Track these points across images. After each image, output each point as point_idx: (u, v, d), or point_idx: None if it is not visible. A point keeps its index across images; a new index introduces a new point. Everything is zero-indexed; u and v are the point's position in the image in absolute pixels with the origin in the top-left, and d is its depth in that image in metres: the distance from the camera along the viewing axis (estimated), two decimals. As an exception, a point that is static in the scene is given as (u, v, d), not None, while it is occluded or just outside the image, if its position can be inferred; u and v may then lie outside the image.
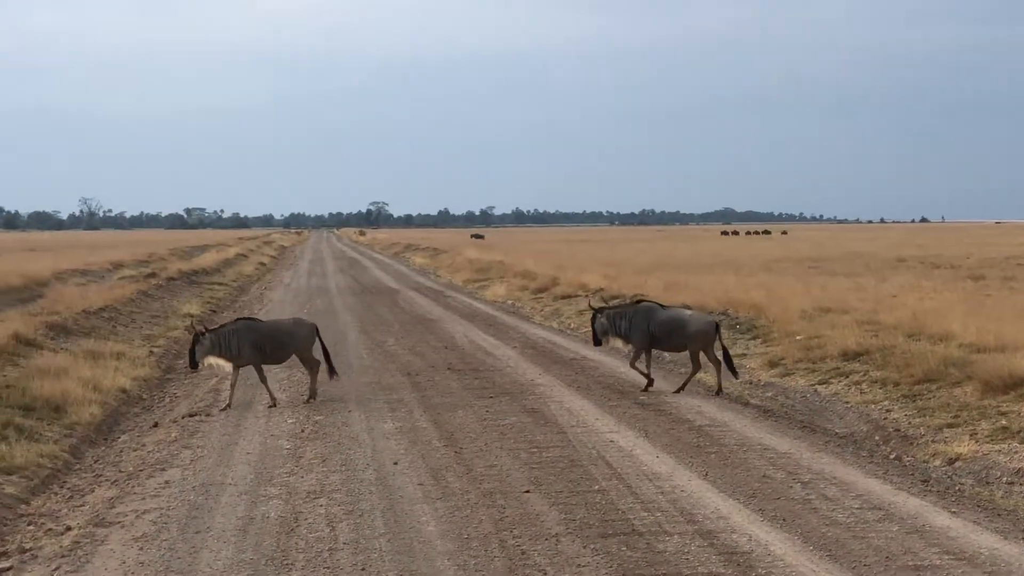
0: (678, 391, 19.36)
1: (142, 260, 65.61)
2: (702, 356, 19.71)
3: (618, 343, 20.07)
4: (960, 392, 17.31)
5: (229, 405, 18.26)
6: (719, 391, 19.27)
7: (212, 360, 18.58)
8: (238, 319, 19.65)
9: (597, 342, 20.33)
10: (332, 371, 19.34)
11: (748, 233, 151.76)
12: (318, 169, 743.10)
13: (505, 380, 20.86)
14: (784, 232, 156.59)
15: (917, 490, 12.67)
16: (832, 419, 17.66)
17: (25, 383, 18.55)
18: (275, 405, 18.31)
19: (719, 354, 19.60)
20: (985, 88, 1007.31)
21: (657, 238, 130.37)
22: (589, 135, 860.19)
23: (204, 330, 18.69)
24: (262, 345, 18.58)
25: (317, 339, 19.16)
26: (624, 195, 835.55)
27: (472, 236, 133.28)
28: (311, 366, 19.02)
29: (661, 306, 20.44)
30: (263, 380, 18.61)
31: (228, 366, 18.60)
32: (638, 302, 20.85)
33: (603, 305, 20.66)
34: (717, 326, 19.91)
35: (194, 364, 18.67)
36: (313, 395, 18.86)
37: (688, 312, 21.01)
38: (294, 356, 19.14)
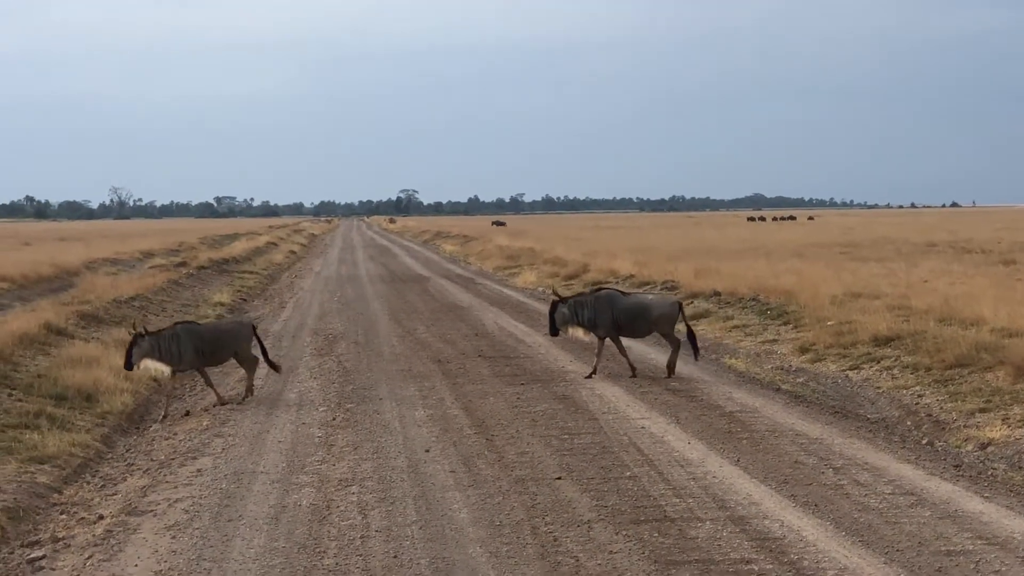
0: (668, 375, 19.45)
1: (172, 249, 65.94)
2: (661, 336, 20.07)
3: (579, 332, 20.09)
4: (992, 377, 17.21)
5: (165, 416, 17.51)
6: (671, 373, 19.45)
7: (149, 363, 17.78)
8: (177, 323, 18.82)
9: (554, 332, 20.29)
10: (273, 366, 18.99)
11: (775, 219, 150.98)
12: (348, 157, 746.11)
13: (536, 367, 20.85)
14: (810, 218, 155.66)
15: (949, 475, 12.61)
16: (864, 404, 17.58)
17: (57, 372, 18.64)
18: (224, 404, 17.80)
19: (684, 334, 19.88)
20: (1016, 72, 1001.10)
21: (686, 224, 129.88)
22: (618, 122, 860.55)
23: (145, 332, 17.88)
24: (203, 348, 18.03)
25: (255, 337, 18.84)
26: (653, 181, 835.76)
27: (493, 223, 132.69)
28: (249, 364, 18.59)
29: (622, 293, 20.58)
30: (208, 383, 18.22)
31: (165, 370, 17.90)
32: (598, 290, 20.88)
33: (562, 296, 20.61)
34: (680, 306, 20.17)
35: (129, 365, 17.78)
36: (250, 392, 18.35)
37: (650, 297, 21.45)
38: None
